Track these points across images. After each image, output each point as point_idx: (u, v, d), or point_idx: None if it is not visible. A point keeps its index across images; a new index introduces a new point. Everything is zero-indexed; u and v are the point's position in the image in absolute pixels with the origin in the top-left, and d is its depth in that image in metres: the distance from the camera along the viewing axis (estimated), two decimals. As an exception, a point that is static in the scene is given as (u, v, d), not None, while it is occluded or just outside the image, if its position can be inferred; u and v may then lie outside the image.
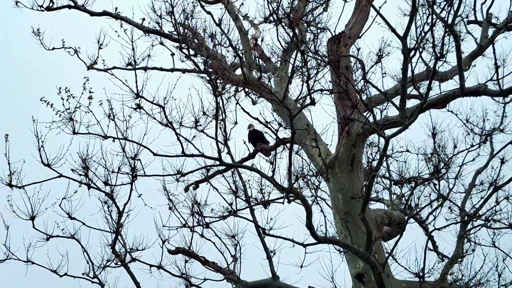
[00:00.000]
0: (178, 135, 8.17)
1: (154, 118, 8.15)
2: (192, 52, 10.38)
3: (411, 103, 9.35)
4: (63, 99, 7.87)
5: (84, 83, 7.84)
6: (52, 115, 7.93)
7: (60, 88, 7.80)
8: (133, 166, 8.54)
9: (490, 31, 10.00)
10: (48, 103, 7.79)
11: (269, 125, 8.56)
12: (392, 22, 8.05)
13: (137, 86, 8.28)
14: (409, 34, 7.98)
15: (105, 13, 10.89)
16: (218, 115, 8.14)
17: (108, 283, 9.01)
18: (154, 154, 8.30)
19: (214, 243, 9.30)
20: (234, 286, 9.05)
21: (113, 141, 8.27)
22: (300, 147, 9.77)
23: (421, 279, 8.09)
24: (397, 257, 9.05)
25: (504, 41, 10.15)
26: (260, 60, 11.23)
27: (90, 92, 7.89)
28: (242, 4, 11.42)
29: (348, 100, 8.66)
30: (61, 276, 8.90)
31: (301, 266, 8.81)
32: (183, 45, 9.67)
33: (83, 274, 9.03)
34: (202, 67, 9.47)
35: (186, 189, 9.51)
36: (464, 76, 8.93)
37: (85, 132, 8.19)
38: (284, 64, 10.50)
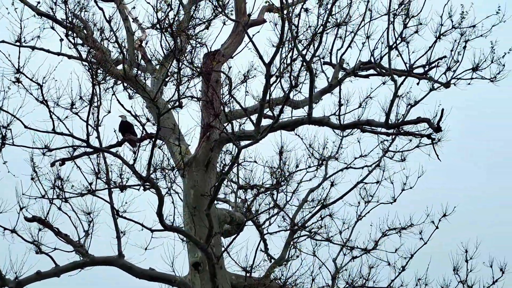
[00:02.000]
0: (52, 113, 7.82)
1: (31, 94, 7.75)
2: (80, 41, 10.01)
3: (266, 122, 9.56)
4: None
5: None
6: None
7: None
8: (3, 135, 8.06)
9: (340, 74, 10.41)
10: None
11: (138, 119, 8.38)
12: (261, 49, 8.22)
13: (19, 62, 7.86)
14: (273, 63, 8.16)
15: (1, -10, 10.23)
16: (92, 101, 7.88)
17: (-40, 240, 8.42)
18: (25, 127, 7.88)
19: (70, 217, 8.97)
20: (81, 258, 8.79)
21: (-14, 108, 7.80)
22: (163, 143, 9.67)
23: (248, 273, 8.19)
24: (232, 253, 9.15)
25: (350, 84, 10.63)
26: (141, 60, 11.00)
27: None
28: (134, 7, 11.16)
29: (212, 109, 8.69)
30: None
31: (146, 249, 8.68)
32: (70, 32, 9.27)
33: None
34: (85, 56, 9.10)
35: (52, 164, 9.11)
36: (313, 107, 9.23)
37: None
38: (161, 68, 10.37)
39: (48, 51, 10.34)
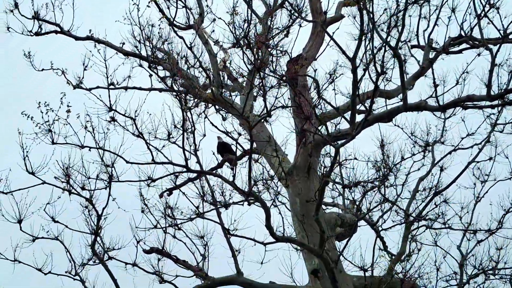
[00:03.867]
0: (148, 144, 8.13)
1: (127, 130, 8.12)
2: (168, 73, 10.38)
3: (361, 118, 9.41)
4: (42, 113, 7.84)
5: (61, 98, 7.80)
6: (32, 127, 7.89)
7: (39, 102, 7.77)
8: (110, 174, 8.47)
9: (431, 54, 10.12)
10: (28, 116, 7.75)
11: (230, 135, 8.54)
12: (343, 45, 8.15)
13: (110, 101, 8.26)
14: (358, 56, 8.04)
15: (88, 38, 10.83)
16: (185, 126, 8.13)
17: (88, 280, 8.89)
18: (127, 162, 8.25)
19: (185, 243, 9.23)
20: (202, 282, 9.00)
21: (89, 150, 8.20)
22: (259, 157, 9.77)
23: (365, 271, 8.05)
24: (350, 255, 9.00)
25: (444, 63, 10.31)
26: (228, 80, 11.24)
27: (68, 106, 7.86)
28: (213, 31, 11.48)
29: (302, 114, 8.69)
30: (45, 274, 8.75)
31: (261, 263, 8.83)
32: (158, 66, 9.67)
33: (66, 272, 8.87)
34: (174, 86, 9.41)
35: (161, 195, 9.48)
36: (407, 93, 8.99)
37: (63, 142, 8.11)
38: (248, 84, 10.53)
39: (140, 88, 10.80)
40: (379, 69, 7.97)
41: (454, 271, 9.87)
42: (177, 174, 8.76)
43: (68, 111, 7.85)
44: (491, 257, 10.06)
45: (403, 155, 10.53)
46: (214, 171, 8.99)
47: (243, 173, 8.21)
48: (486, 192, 10.44)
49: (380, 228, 9.92)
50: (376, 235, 9.84)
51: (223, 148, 10.19)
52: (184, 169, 8.24)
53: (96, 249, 8.79)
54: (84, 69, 10.09)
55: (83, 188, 8.42)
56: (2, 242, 8.75)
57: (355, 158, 10.01)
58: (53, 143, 8.07)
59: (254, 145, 10.02)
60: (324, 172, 9.07)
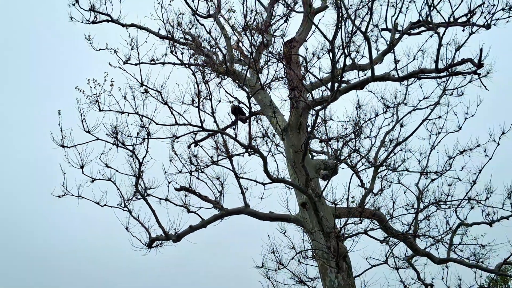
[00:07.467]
0: (172, 110, 8.30)
1: (157, 99, 8.29)
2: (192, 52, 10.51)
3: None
4: (91, 87, 8.06)
5: (105, 77, 7.98)
6: (83, 98, 8.11)
7: (88, 79, 7.97)
8: (147, 131, 8.70)
9: (396, 35, 10.01)
10: (80, 90, 7.96)
11: (237, 100, 8.69)
12: (327, 30, 8.13)
13: (141, 77, 8.40)
14: (337, 38, 8.05)
15: (132, 25, 10.97)
16: (200, 97, 8.28)
17: (134, 210, 9.27)
18: (156, 124, 8.48)
19: (206, 183, 9.55)
20: (219, 211, 9.31)
21: (128, 115, 8.43)
22: (259, 117, 9.89)
23: (335, 205, 8.20)
24: (335, 192, 9.12)
25: (411, 41, 10.20)
26: (241, 57, 11.28)
27: (111, 81, 8.04)
28: (230, 18, 11.45)
29: (290, 86, 8.76)
30: (102, 206, 9.12)
31: (261, 198, 9.12)
32: (181, 47, 9.80)
33: (117, 205, 9.24)
34: (196, 63, 9.56)
35: (189, 146, 9.76)
36: (374, 68, 9.00)
37: (107, 110, 8.35)
38: (255, 61, 10.57)
39: (174, 63, 10.94)
40: (346, 52, 7.93)
41: (409, 202, 10.04)
42: (195, 132, 8.98)
43: (111, 85, 8.04)
44: (442, 192, 10.15)
45: (376, 113, 10.61)
46: (225, 130, 9.14)
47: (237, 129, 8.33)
48: (439, 141, 10.47)
49: (357, 169, 10.07)
50: (352, 174, 9.88)
51: (236, 111, 10.37)
52: (200, 129, 8.42)
53: (138, 188, 9.11)
54: (131, 49, 10.22)
55: (117, 146, 8.64)
56: (70, 183, 9.14)
57: (331, 119, 10.14)
58: (99, 110, 8.30)
59: (258, 107, 10.24)
60: (307, 130, 9.20)
